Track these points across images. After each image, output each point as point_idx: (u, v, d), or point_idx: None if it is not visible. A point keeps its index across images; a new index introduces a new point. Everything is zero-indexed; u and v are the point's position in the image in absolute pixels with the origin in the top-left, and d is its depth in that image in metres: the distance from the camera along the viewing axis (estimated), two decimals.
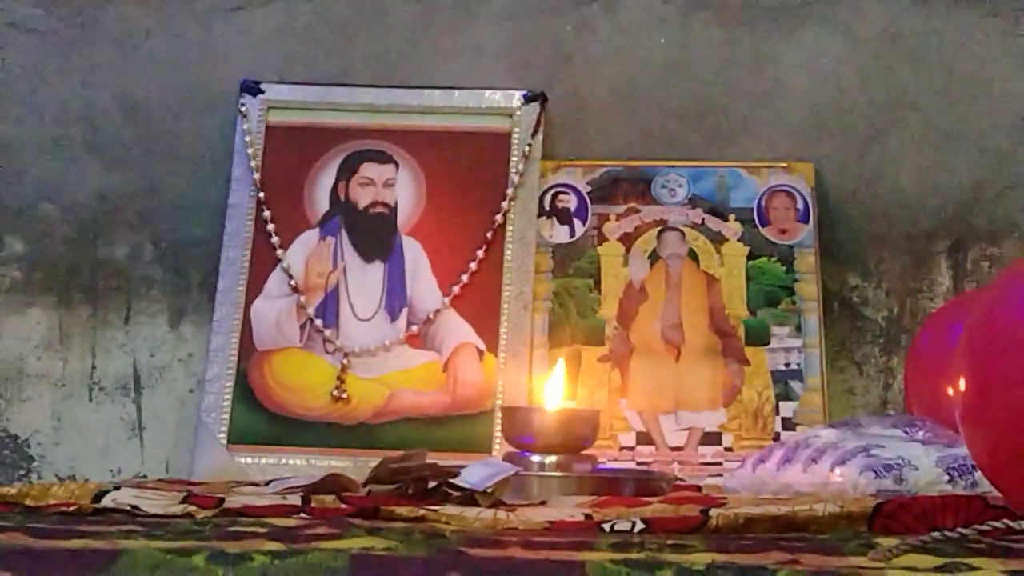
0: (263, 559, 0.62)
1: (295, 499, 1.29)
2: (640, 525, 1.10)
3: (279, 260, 1.77)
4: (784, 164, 1.81)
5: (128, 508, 1.25)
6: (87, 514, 1.24)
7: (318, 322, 1.75)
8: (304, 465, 1.67)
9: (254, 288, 1.76)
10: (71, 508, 1.26)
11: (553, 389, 1.56)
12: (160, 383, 1.81)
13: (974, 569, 0.78)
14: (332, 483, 1.36)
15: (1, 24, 1.84)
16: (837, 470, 1.31)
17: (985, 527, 0.88)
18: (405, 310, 1.76)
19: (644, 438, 1.71)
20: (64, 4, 1.85)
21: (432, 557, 0.71)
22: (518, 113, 1.81)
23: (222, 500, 1.28)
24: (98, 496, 1.30)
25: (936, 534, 0.88)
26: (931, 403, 1.49)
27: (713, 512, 1.13)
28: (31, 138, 1.84)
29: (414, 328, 1.75)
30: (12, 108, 1.84)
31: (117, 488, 1.33)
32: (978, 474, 1.22)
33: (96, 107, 1.84)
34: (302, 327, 1.75)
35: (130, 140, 1.84)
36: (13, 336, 1.81)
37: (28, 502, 1.29)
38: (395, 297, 1.76)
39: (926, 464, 1.28)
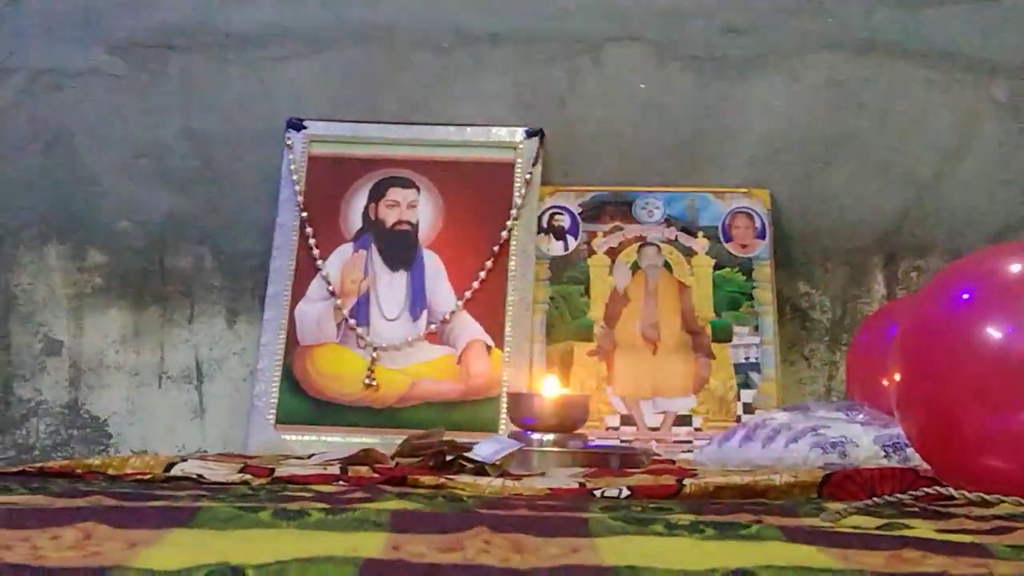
0: (319, 515, 0.62)
1: (334, 469, 1.29)
2: (626, 492, 1.10)
3: (319, 269, 1.76)
4: (744, 190, 1.81)
5: (195, 476, 1.25)
6: (160, 481, 1.24)
7: (352, 321, 1.74)
8: (340, 442, 1.65)
9: (298, 293, 1.75)
10: (147, 476, 1.26)
11: (549, 377, 1.57)
12: (218, 373, 1.80)
13: (911, 528, 0.78)
14: (365, 456, 1.36)
15: (84, 71, 1.83)
16: (790, 446, 1.31)
17: (919, 493, 0.88)
18: (425, 312, 1.75)
19: (627, 420, 1.70)
20: (137, 53, 1.83)
21: (462, 513, 0.71)
22: (520, 146, 1.81)
23: (273, 470, 1.28)
24: (169, 466, 1.30)
25: (877, 499, 0.88)
26: (869, 391, 1.50)
27: (687, 481, 1.13)
28: (110, 166, 1.82)
29: (433, 327, 1.74)
30: (94, 141, 1.83)
31: (184, 460, 1.33)
32: (910, 450, 1.22)
33: (164, 140, 1.83)
34: (338, 326, 1.74)
35: (193, 168, 1.83)
36: (95, 333, 1.80)
37: (110, 471, 1.28)
38: (417, 301, 1.76)
39: (866, 442, 1.28)
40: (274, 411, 1.70)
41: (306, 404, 1.71)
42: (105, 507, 0.74)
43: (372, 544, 0.58)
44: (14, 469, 1.30)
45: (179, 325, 1.80)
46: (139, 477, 1.25)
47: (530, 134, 1.81)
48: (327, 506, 0.73)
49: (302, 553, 0.55)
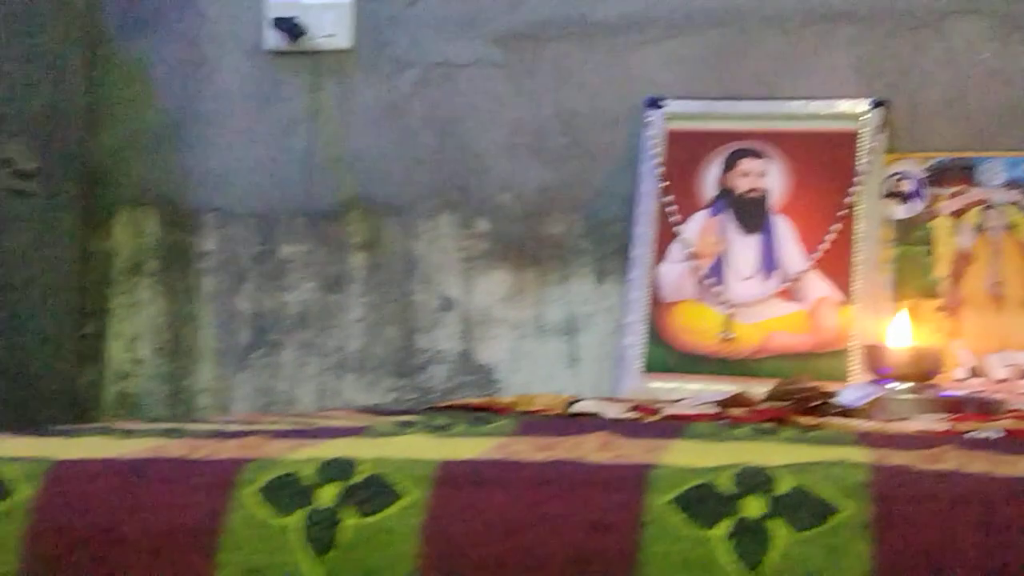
0: (791, 432, 0.69)
1: (712, 410, 1.36)
2: (999, 434, 1.11)
3: (678, 233, 1.83)
4: None
5: (592, 413, 1.35)
6: (565, 417, 1.34)
7: (709, 281, 1.81)
8: (700, 389, 1.70)
9: (659, 255, 1.83)
10: (553, 412, 1.37)
11: (901, 331, 1.58)
12: (589, 327, 1.89)
13: None
14: (738, 399, 1.43)
15: (470, 62, 1.96)
16: None
17: None
18: (777, 271, 1.79)
19: (974, 372, 1.70)
20: (515, 44, 1.95)
21: (921, 435, 0.75)
22: (865, 116, 1.81)
23: (658, 410, 1.36)
24: (569, 404, 1.41)
25: None
26: None
27: None
28: (492, 146, 1.95)
29: (784, 285, 1.78)
30: (479, 124, 1.95)
31: (580, 400, 1.44)
32: None
33: (539, 121, 1.94)
34: (697, 284, 1.81)
35: (564, 145, 1.93)
36: (483, 292, 1.93)
37: (519, 408, 1.40)
38: (768, 261, 1.80)
39: None
40: (641, 360, 1.79)
41: (669, 354, 1.78)
42: (598, 420, 0.83)
43: (859, 454, 0.64)
44: (443, 404, 1.44)
45: (554, 284, 1.91)
46: (546, 412, 1.36)
47: (875, 105, 1.81)
48: (794, 427, 0.79)
49: (802, 459, 0.62)
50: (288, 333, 1.98)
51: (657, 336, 1.80)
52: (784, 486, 0.59)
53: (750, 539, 0.58)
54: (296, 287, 1.98)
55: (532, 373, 1.89)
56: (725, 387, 1.67)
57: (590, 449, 0.67)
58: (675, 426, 0.72)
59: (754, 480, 0.59)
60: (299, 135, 2.00)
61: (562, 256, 1.91)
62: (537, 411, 1.36)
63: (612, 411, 1.35)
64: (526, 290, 1.92)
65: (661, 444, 0.69)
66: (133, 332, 2.01)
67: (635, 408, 1.36)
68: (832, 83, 1.85)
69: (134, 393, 2.00)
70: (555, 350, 1.90)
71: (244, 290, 1.99)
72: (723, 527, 0.58)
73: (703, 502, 0.59)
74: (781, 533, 0.58)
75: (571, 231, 1.91)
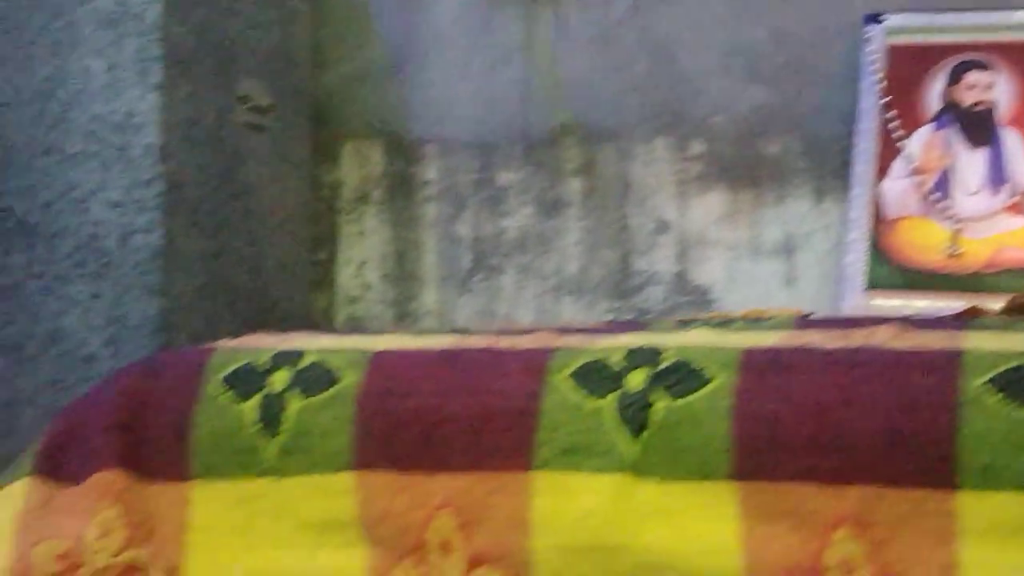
0: None
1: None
2: None
3: (901, 149, 1.78)
4: None
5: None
6: None
7: (934, 196, 1.76)
8: (926, 306, 1.68)
9: (881, 172, 1.79)
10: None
11: None
12: (806, 246, 1.87)
13: None
14: (973, 312, 1.39)
15: None
16: None
17: None
18: (1006, 185, 1.73)
19: None
20: None
21: None
22: None
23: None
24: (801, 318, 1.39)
25: None
26: None
27: None
28: (706, 68, 1.93)
29: (1015, 199, 1.72)
30: (692, 47, 1.93)
31: (811, 315, 1.43)
32: None
33: (754, 41, 1.91)
34: (921, 200, 1.77)
35: (780, 64, 1.89)
36: (698, 213, 1.92)
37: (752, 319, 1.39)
38: (997, 176, 1.74)
39: None
40: (863, 278, 1.76)
41: (892, 271, 1.75)
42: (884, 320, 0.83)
43: None
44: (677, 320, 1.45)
45: (770, 205, 1.89)
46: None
47: None
48: None
49: None
50: (507, 257, 2.01)
51: (880, 253, 1.76)
52: None
53: None
54: (514, 212, 2.02)
55: (748, 293, 1.88)
56: (953, 303, 1.64)
57: (886, 338, 0.67)
58: (958, 322, 0.71)
59: None
60: (514, 65, 2.02)
61: (779, 176, 1.89)
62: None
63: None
64: (742, 211, 1.90)
65: (955, 334, 0.68)
66: (361, 258, 2.08)
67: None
68: None
69: (363, 316, 2.08)
70: (772, 270, 1.88)
71: (464, 217, 2.04)
72: None
73: (1022, 383, 0.59)
74: None
75: (788, 151, 1.89)
